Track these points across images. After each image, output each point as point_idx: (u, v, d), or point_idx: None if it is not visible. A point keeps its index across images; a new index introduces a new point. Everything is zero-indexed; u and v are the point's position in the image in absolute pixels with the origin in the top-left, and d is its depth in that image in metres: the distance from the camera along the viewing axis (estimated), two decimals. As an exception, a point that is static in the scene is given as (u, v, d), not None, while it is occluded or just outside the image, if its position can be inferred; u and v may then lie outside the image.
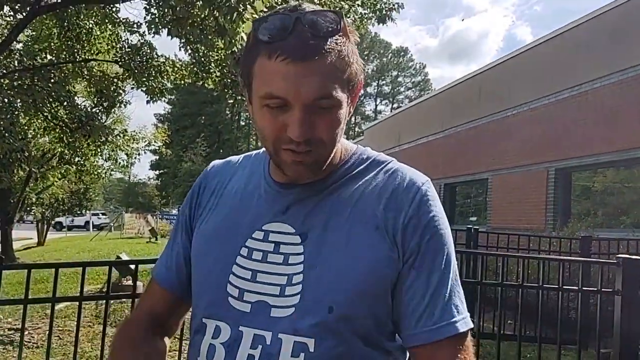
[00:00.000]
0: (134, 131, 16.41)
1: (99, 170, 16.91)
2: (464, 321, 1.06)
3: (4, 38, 9.88)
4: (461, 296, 1.08)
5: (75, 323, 3.34)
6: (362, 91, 1.15)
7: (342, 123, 1.03)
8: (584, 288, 4.07)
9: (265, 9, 6.01)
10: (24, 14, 9.77)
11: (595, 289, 4.03)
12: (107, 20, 11.39)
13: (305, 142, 0.98)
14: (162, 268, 1.29)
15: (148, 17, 9.47)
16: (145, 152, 18.12)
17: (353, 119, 71.36)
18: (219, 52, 10.41)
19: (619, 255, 3.94)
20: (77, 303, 3.29)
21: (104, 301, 3.48)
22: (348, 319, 1.01)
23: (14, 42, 10.60)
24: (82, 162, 15.16)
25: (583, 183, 11.91)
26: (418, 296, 1.04)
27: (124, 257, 9.90)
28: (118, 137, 14.54)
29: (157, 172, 66.98)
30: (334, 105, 0.99)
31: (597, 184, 11.40)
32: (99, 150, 13.74)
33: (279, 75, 0.95)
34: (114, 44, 11.98)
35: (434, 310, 1.04)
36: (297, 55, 0.94)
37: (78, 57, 11.74)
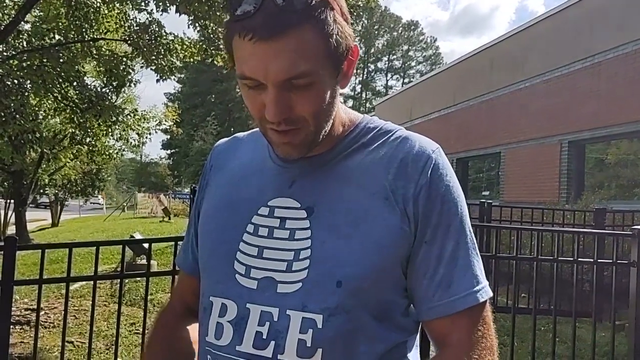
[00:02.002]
0: (145, 111, 16.44)
1: (110, 151, 16.96)
2: (483, 290, 1.03)
3: (11, 19, 9.86)
4: (479, 265, 1.06)
5: (91, 302, 3.36)
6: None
7: (326, 99, 0.98)
8: (599, 260, 4.05)
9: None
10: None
11: (611, 260, 4.01)
12: (114, -1, 11.32)
13: (286, 121, 0.95)
14: (182, 253, 1.33)
15: (155, -5, 9.42)
16: (156, 132, 18.14)
17: (364, 94, 71.11)
18: (228, 28, 10.33)
19: (634, 227, 3.90)
20: (92, 282, 3.31)
21: (119, 280, 3.50)
22: (358, 293, 0.98)
23: (22, 23, 10.59)
24: (93, 143, 15.18)
25: (596, 155, 11.81)
26: (432, 268, 1.02)
27: (138, 236, 9.98)
28: (128, 117, 14.54)
29: (168, 152, 67.20)
30: (312, 82, 0.94)
31: (610, 156, 11.30)
32: (109, 130, 13.77)
33: (249, 56, 0.91)
34: (122, 22, 11.90)
35: (451, 282, 1.02)
36: (265, 33, 0.88)
37: (86, 36, 11.67)
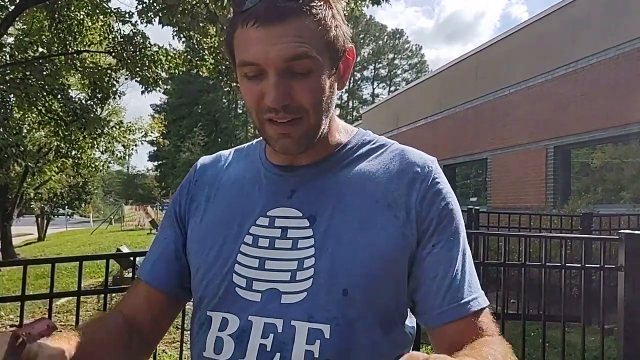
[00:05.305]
0: (130, 122, 16.35)
1: (96, 163, 16.81)
2: (482, 297, 1.05)
3: (-6, 32, 9.79)
4: (475, 274, 1.07)
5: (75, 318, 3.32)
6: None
7: (325, 90, 0.99)
8: (587, 265, 4.05)
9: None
10: (13, 7, 9.67)
11: (598, 265, 4.01)
12: (98, 11, 11.27)
13: (285, 109, 0.95)
14: (147, 265, 1.19)
15: (139, 6, 9.39)
16: (142, 143, 17.94)
17: (350, 103, 71.24)
18: (212, 39, 10.35)
19: (622, 231, 3.90)
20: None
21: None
22: (364, 302, 0.98)
23: (5, 36, 10.51)
24: (78, 155, 15.09)
25: (582, 160, 11.89)
26: (441, 272, 1.02)
27: (125, 250, 9.90)
28: (114, 129, 14.48)
29: (155, 163, 66.97)
30: (312, 69, 0.95)
31: (595, 161, 11.37)
32: (95, 142, 13.71)
33: (251, 41, 0.94)
34: (106, 34, 11.86)
35: (461, 286, 1.02)
36: (267, 18, 0.91)
37: (70, 49, 11.63)
